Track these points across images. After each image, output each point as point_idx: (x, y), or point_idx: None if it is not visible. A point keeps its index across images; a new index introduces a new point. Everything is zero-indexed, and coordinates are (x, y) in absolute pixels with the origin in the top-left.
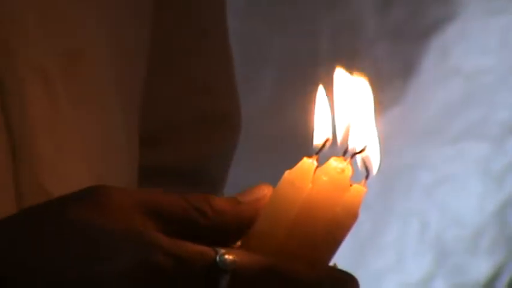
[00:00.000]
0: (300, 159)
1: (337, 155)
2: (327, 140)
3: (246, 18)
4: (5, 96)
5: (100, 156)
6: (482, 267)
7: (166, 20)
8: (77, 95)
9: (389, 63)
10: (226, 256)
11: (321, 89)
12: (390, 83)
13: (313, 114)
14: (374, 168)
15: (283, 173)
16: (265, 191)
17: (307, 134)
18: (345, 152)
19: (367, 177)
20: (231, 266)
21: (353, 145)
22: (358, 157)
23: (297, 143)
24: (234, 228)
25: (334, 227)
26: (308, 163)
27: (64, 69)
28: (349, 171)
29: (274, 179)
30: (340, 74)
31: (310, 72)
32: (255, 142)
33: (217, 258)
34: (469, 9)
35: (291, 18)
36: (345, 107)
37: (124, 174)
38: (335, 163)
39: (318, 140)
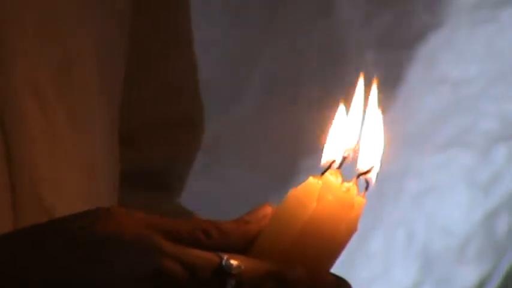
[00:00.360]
0: (283, 166)
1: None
2: (333, 162)
3: (233, 28)
4: (0, 106)
5: (93, 162)
6: (468, 277)
7: (144, 24)
8: (68, 104)
9: (376, 72)
10: (232, 261)
11: (341, 108)
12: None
13: (327, 132)
14: (373, 179)
15: (267, 180)
16: (269, 209)
17: (291, 143)
18: (340, 165)
19: (367, 188)
20: (237, 270)
21: (360, 165)
22: (360, 170)
23: (282, 152)
24: (240, 247)
25: (337, 242)
26: (314, 182)
27: (55, 79)
28: (354, 190)
29: (259, 186)
30: (359, 90)
31: (297, 82)
32: (241, 150)
33: (223, 262)
34: (455, 18)
35: (277, 27)
36: (355, 125)
37: (111, 179)
38: (332, 178)
39: (325, 160)
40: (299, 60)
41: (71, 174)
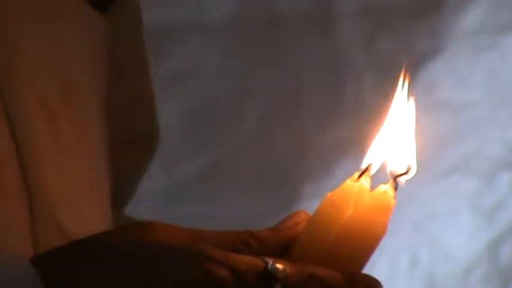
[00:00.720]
0: (283, 192)
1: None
2: (369, 165)
3: (231, 52)
4: (13, 125)
5: (95, 170)
6: None
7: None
8: (76, 121)
9: (376, 96)
10: (277, 265)
11: (394, 116)
12: (377, 116)
13: (375, 137)
14: (403, 179)
15: (268, 205)
16: (303, 215)
17: (292, 169)
18: (366, 169)
19: (396, 188)
20: (283, 274)
21: (394, 167)
22: (396, 172)
23: (283, 177)
24: (276, 254)
25: (371, 245)
26: (350, 185)
27: (63, 97)
28: (391, 192)
29: (259, 211)
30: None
31: (295, 105)
32: (241, 174)
33: (269, 266)
34: (457, 43)
35: (275, 50)
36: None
37: (109, 187)
38: (366, 181)
39: (365, 164)
40: (299, 83)
41: (79, 186)
